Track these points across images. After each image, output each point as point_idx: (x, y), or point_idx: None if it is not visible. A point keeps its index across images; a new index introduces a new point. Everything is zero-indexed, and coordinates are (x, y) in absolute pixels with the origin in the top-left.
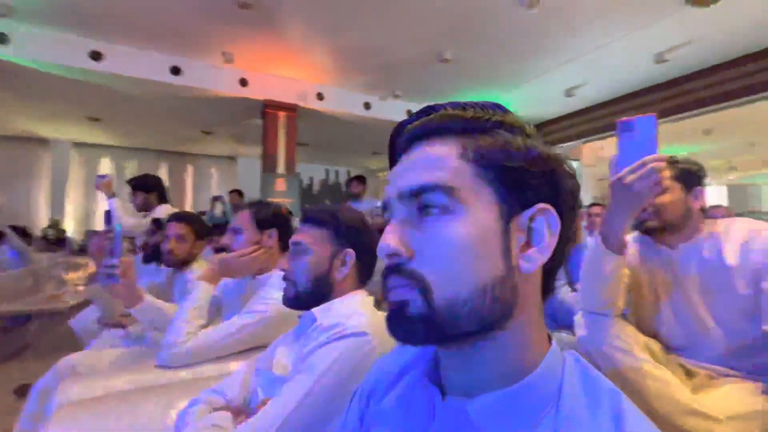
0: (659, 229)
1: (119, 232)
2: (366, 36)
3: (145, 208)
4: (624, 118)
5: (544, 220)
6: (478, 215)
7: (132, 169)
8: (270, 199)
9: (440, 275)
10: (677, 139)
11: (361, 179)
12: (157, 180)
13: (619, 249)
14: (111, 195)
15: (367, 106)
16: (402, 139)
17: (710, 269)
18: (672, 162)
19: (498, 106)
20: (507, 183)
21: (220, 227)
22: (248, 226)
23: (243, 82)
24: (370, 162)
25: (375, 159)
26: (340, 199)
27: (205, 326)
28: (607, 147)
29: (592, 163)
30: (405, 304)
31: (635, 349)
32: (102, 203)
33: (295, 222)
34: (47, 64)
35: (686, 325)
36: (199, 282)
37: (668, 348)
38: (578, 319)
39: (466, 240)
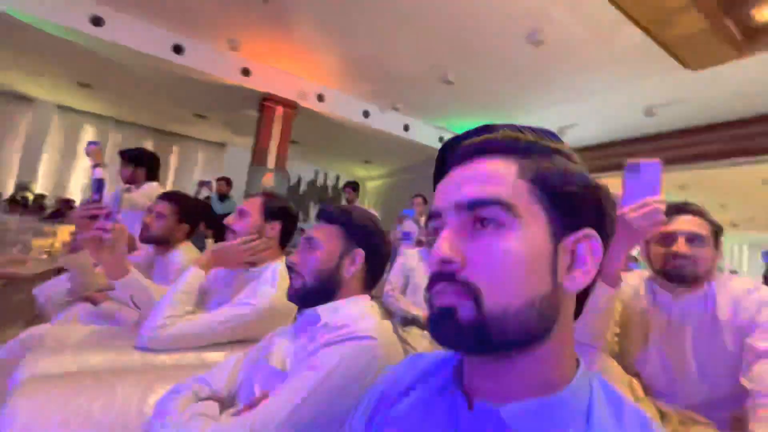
0: (688, 279)
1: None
2: (373, 45)
3: (131, 181)
4: (632, 161)
5: (588, 245)
6: (531, 232)
7: (115, 141)
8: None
9: (493, 285)
10: None
11: (354, 187)
12: (152, 156)
13: (614, 282)
14: (99, 164)
15: (366, 114)
16: (458, 153)
17: (704, 322)
18: (707, 217)
19: (553, 134)
20: (560, 206)
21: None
22: (255, 213)
23: (245, 72)
24: (359, 170)
25: (365, 167)
26: (325, 201)
27: (190, 313)
28: None
29: None
30: (453, 310)
31: (616, 384)
32: (79, 171)
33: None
34: (45, 22)
35: (670, 370)
36: (192, 266)
37: (647, 389)
38: None
39: (521, 254)
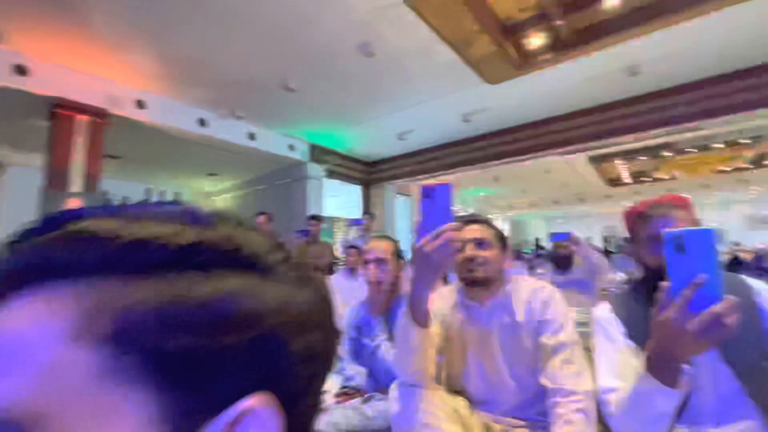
0: (479, 282)
1: None
2: (200, 47)
3: None
4: (425, 183)
5: (253, 426)
6: None
7: None
8: None
9: None
10: (476, 183)
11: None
12: None
13: (424, 321)
14: None
15: (202, 122)
16: None
17: (506, 326)
18: (490, 224)
19: (187, 211)
20: (173, 375)
21: None
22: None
23: (20, 70)
24: (204, 183)
25: (211, 181)
26: None
27: None
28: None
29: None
30: None
31: (443, 423)
32: None
33: None
34: None
35: (487, 379)
36: None
37: (473, 402)
38: (392, 391)
39: None
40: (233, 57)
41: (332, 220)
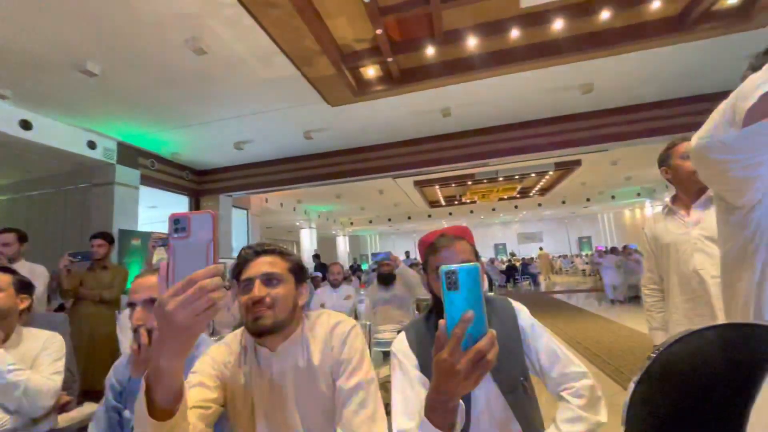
0: (268, 330)
1: None
2: None
3: None
4: (175, 213)
5: None
6: None
7: None
8: None
9: None
10: (320, 199)
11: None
12: None
13: (166, 411)
14: None
15: None
16: None
17: (301, 371)
18: (285, 254)
19: None
20: None
21: None
22: None
23: None
24: None
25: None
26: None
27: None
28: (271, 199)
29: (258, 213)
30: None
31: None
32: None
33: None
34: None
35: None
36: None
37: None
38: None
39: None
40: (5, 23)
41: (150, 236)
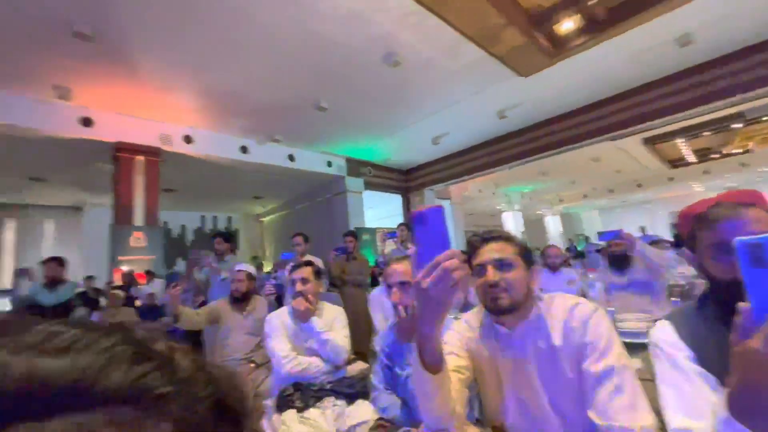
0: (506, 310)
1: None
2: (233, 79)
3: None
4: (417, 209)
5: None
6: None
7: None
8: (120, 257)
9: None
10: (520, 179)
11: (226, 237)
12: None
13: (436, 364)
14: None
15: (244, 149)
16: None
17: (542, 351)
18: (511, 239)
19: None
20: None
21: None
22: None
23: (86, 122)
24: (252, 206)
25: (259, 203)
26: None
27: None
28: (470, 186)
29: (459, 201)
30: None
31: None
32: None
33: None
34: None
35: (528, 414)
36: None
37: None
38: None
39: None
40: (266, 85)
41: (374, 231)
